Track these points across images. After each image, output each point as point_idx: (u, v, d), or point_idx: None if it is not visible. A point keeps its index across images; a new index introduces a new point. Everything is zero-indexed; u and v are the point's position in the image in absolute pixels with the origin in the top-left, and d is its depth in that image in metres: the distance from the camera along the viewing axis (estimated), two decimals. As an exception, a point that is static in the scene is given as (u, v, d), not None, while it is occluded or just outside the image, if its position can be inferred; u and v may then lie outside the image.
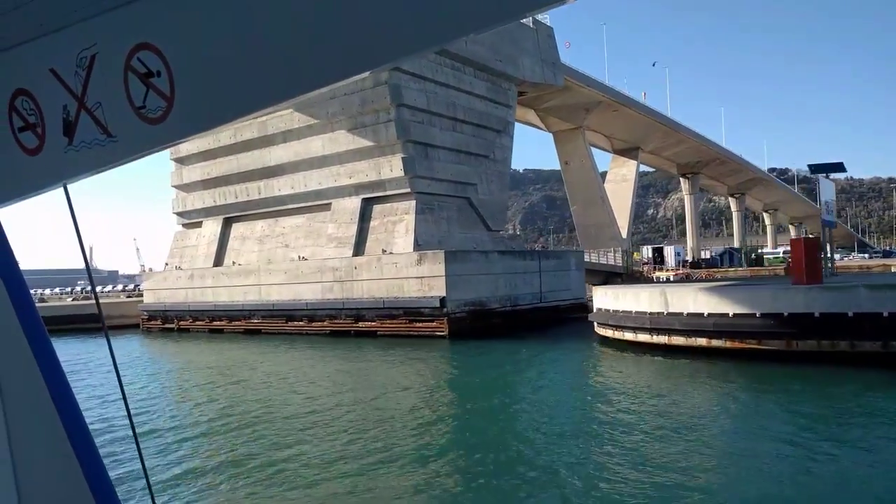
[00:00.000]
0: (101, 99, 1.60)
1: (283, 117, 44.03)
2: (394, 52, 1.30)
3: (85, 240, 2.04)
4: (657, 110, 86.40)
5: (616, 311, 27.67)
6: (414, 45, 1.28)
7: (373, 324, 38.29)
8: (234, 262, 47.03)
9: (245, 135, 46.44)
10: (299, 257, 42.84)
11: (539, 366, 26.23)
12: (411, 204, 38.71)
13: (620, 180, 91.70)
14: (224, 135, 47.87)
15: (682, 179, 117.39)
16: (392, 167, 38.90)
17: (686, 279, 59.59)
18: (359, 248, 40.10)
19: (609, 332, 28.53)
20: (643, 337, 25.90)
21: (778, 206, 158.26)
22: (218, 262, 48.43)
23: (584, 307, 47.57)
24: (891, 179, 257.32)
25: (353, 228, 40.52)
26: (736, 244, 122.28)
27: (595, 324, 30.78)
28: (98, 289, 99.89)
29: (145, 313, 52.39)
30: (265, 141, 45.51)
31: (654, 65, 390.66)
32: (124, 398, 2.18)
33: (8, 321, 1.87)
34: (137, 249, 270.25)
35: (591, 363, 26.14)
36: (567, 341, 34.44)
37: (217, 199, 49.08)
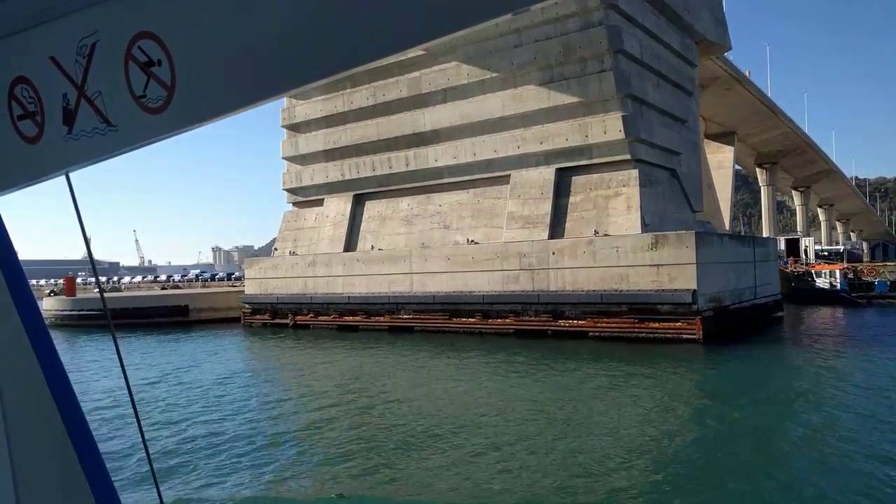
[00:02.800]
0: (102, 87, 1.57)
1: (445, 72, 36.57)
2: (399, 41, 1.25)
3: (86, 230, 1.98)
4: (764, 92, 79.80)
5: None
6: (419, 33, 1.22)
7: (581, 322, 30.92)
8: (372, 247, 39.54)
9: (390, 94, 38.94)
10: (468, 240, 35.42)
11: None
12: (631, 174, 31.33)
13: (717, 167, 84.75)
14: (358, 95, 40.40)
15: (758, 170, 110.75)
16: (606, 128, 31.50)
17: (854, 275, 52.59)
18: (556, 229, 32.70)
19: None
20: None
21: (834, 201, 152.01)
22: (349, 246, 40.92)
23: (780, 305, 40.57)
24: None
25: (547, 205, 33.10)
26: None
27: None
28: (172, 277, 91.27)
29: (247, 306, 44.88)
30: (417, 101, 38.00)
31: None
32: (130, 395, 2.17)
33: (7, 313, 1.84)
34: (137, 241, 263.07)
35: None
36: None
37: (346, 172, 41.52)
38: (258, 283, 44.39)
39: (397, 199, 39.71)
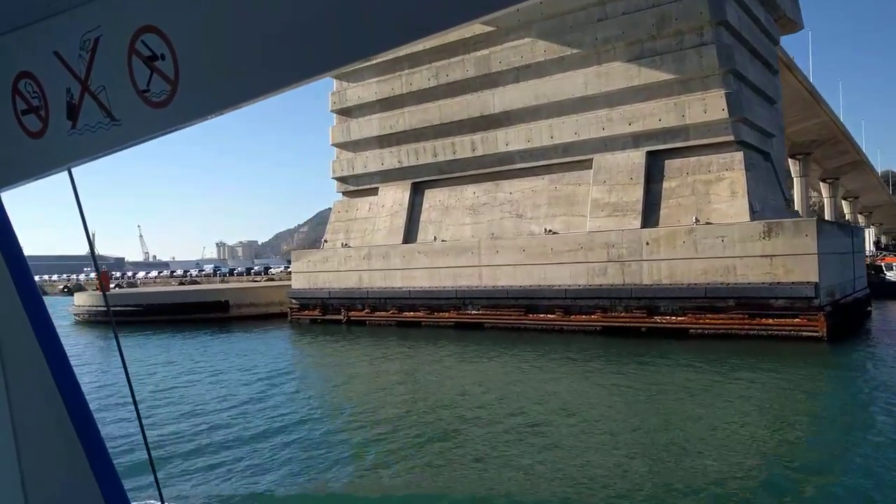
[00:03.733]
0: (105, 82, 1.57)
1: (519, 48, 33.98)
2: (404, 34, 1.23)
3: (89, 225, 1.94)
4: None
5: None
6: (425, 26, 1.21)
7: (681, 319, 28.44)
8: (435, 238, 37.05)
9: (454, 74, 36.39)
10: (545, 230, 32.92)
11: None
12: (735, 157, 28.79)
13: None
14: (418, 76, 37.85)
15: (790, 161, 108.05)
16: (706, 106, 28.94)
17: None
18: (649, 218, 30.19)
19: None
20: None
21: (859, 193, 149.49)
22: (408, 237, 38.45)
23: (870, 299, 38.03)
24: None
25: (638, 191, 30.57)
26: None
27: None
28: (197, 271, 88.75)
29: (294, 301, 42.45)
30: (486, 81, 35.43)
31: None
32: (132, 392, 2.19)
33: (12, 305, 1.85)
34: (141, 236, 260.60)
35: None
36: None
37: (403, 158, 39.00)
38: (307, 276, 41.94)
39: (461, 187, 37.18)
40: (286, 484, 11.43)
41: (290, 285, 43.85)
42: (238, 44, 1.36)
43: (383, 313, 38.03)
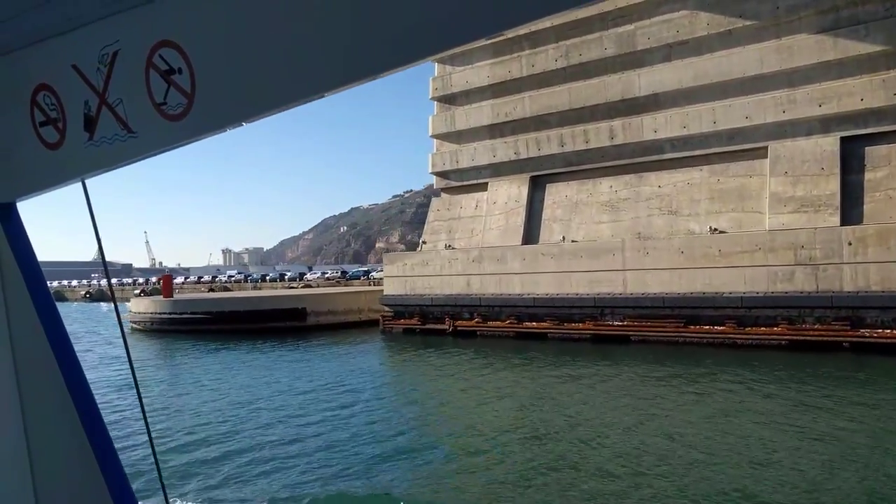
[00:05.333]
0: (123, 95, 1.58)
1: (673, 22, 29.76)
2: (418, 51, 1.23)
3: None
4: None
5: None
6: (437, 43, 1.22)
7: (897, 331, 24.07)
8: (563, 238, 32.71)
9: (589, 53, 32.15)
10: (710, 229, 28.58)
11: None
12: (961, 142, 24.53)
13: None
14: (542, 57, 33.65)
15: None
16: (925, 84, 24.70)
17: None
18: (849, 214, 25.87)
19: None
20: None
21: None
22: (528, 237, 34.10)
23: None
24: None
25: (832, 183, 26.28)
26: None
27: None
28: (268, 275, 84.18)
29: (387, 309, 38.12)
30: (629, 61, 31.18)
31: None
32: (138, 392, 2.22)
33: (26, 311, 1.86)
34: (147, 243, 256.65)
35: None
36: None
37: (521, 149, 34.71)
38: (402, 281, 37.58)
39: (593, 181, 32.84)
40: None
41: (362, 292, 39.52)
42: (253, 58, 1.36)
43: (498, 323, 33.67)
